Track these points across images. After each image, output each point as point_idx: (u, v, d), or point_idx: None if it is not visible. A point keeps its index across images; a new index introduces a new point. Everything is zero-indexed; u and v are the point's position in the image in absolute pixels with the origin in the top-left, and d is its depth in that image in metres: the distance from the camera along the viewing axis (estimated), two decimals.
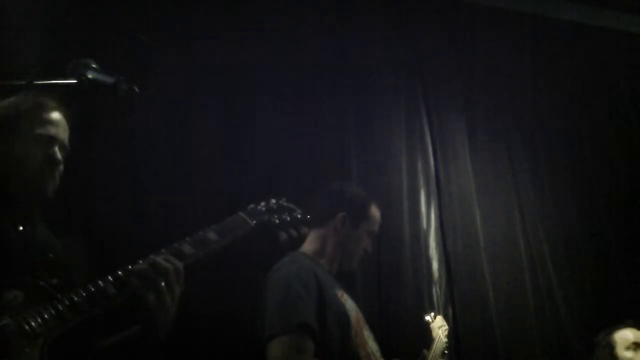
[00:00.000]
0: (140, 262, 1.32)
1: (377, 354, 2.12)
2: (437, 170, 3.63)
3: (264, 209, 1.68)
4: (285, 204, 1.73)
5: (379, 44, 3.71)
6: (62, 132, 1.44)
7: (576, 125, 4.18)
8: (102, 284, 1.26)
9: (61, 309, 1.19)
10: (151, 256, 1.34)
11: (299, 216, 1.75)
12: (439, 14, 3.97)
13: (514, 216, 3.76)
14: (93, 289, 1.24)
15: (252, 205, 1.68)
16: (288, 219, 1.71)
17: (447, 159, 3.70)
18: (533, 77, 4.16)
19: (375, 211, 2.33)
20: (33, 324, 1.15)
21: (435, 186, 3.59)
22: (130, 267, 1.30)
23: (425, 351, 2.55)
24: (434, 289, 3.34)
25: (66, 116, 1.47)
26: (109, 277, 1.27)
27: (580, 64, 4.29)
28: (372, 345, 2.11)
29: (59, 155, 1.42)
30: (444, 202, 3.57)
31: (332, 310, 2.00)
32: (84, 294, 1.23)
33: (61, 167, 1.45)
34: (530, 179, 3.91)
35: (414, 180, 3.55)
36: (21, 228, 1.37)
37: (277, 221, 1.68)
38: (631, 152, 4.21)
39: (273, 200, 1.72)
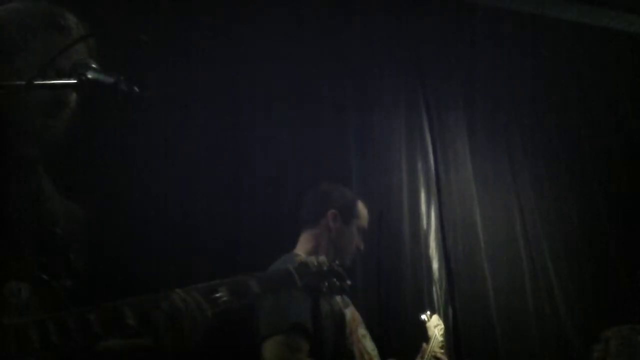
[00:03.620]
0: (169, 297, 1.22)
1: (373, 352, 2.13)
2: (437, 170, 3.63)
3: (314, 269, 1.51)
4: (337, 268, 1.57)
5: (379, 44, 3.71)
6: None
7: (576, 125, 4.18)
8: (121, 312, 1.17)
9: (68, 330, 1.10)
10: (181, 294, 1.24)
11: (347, 287, 1.57)
12: (439, 14, 3.97)
13: (514, 216, 3.76)
14: (109, 315, 1.15)
15: (303, 261, 1.53)
16: (337, 287, 1.54)
17: (447, 159, 3.70)
18: (533, 77, 4.16)
19: (362, 208, 2.40)
20: (34, 344, 1.07)
21: (435, 186, 3.59)
22: (157, 303, 1.21)
23: (424, 344, 2.57)
24: (434, 289, 3.34)
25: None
26: (128, 307, 1.18)
27: (580, 64, 4.29)
28: (367, 344, 2.12)
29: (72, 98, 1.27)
30: (444, 202, 3.57)
31: (327, 309, 2.02)
32: (98, 319, 1.14)
33: (73, 105, 1.29)
34: (530, 179, 3.91)
35: (414, 180, 3.55)
36: (24, 186, 1.23)
37: (325, 289, 1.53)
38: (631, 152, 4.21)
39: (325, 262, 1.55)
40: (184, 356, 1.24)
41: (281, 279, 1.47)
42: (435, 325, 2.71)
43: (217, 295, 1.29)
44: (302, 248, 2.27)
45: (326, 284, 1.52)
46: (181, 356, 1.24)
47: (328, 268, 1.53)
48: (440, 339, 2.65)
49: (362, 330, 2.15)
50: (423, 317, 2.77)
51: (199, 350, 1.28)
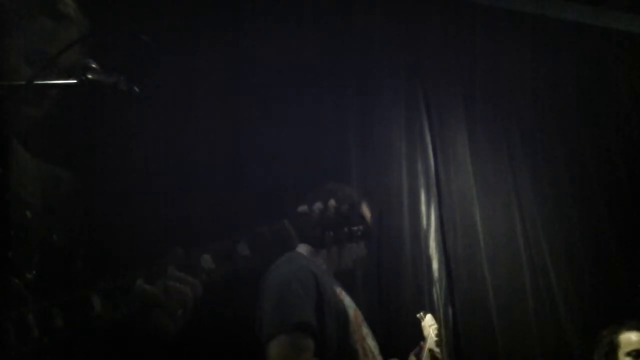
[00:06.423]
0: (150, 275, 1.14)
1: (376, 351, 2.13)
2: (437, 170, 3.62)
3: (317, 216, 1.28)
4: (346, 210, 1.30)
5: (379, 44, 3.71)
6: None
7: (576, 125, 4.18)
8: (87, 299, 1.09)
9: (32, 329, 1.04)
10: (166, 266, 1.15)
11: (361, 231, 1.32)
12: (439, 14, 3.97)
13: (514, 216, 3.76)
14: (79, 307, 1.08)
15: (304, 208, 1.30)
16: (346, 234, 1.31)
17: (447, 159, 3.69)
18: (533, 77, 4.16)
19: (366, 210, 2.37)
20: None
21: (435, 186, 3.59)
22: (138, 285, 1.13)
23: (422, 343, 2.58)
24: (434, 289, 3.34)
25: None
26: (101, 297, 1.10)
27: (580, 64, 4.29)
28: (370, 342, 2.12)
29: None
30: (444, 202, 3.56)
31: (331, 308, 2.01)
32: (65, 311, 1.07)
33: (53, 96, 1.27)
34: (530, 179, 3.91)
35: (414, 180, 3.55)
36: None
37: (332, 236, 1.30)
38: (631, 152, 4.21)
39: (333, 203, 1.30)
40: (174, 336, 1.18)
41: (274, 236, 1.27)
42: (429, 324, 2.73)
43: (202, 263, 1.19)
44: (304, 247, 2.26)
45: (331, 233, 1.28)
46: (171, 336, 1.18)
47: (335, 214, 1.29)
48: (435, 338, 2.66)
49: (364, 329, 2.15)
50: (417, 316, 2.79)
51: (190, 331, 1.22)
